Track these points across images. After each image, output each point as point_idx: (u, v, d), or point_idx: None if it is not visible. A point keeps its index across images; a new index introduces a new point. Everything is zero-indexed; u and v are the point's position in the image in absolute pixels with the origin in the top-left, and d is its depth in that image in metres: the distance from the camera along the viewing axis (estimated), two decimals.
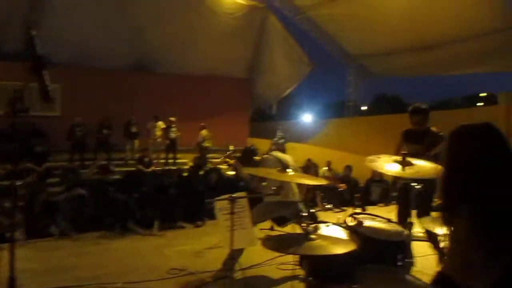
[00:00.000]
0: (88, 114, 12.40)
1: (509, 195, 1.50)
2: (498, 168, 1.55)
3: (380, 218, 3.26)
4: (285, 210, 4.64)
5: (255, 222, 4.80)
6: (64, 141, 12.05)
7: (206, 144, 13.72)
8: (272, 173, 3.01)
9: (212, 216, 6.52)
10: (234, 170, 8.82)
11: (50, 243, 6.34)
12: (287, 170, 2.76)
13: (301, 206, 3.15)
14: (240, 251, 4.68)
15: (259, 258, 5.27)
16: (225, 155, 5.67)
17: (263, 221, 5.00)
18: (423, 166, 3.08)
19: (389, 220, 3.18)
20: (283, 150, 9.10)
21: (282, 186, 4.25)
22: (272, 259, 5.17)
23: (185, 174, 10.06)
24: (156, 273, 4.96)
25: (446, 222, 1.65)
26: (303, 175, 3.07)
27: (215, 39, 15.58)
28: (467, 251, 1.46)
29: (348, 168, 10.39)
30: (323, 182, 3.27)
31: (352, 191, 10.07)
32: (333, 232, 2.89)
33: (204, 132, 13.90)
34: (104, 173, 9.21)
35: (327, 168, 11.37)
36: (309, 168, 10.95)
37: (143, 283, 4.59)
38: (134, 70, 15.87)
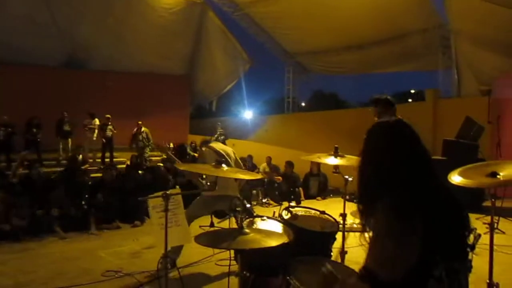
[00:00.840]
0: (16, 113, 11.65)
1: (417, 188, 1.57)
2: (407, 162, 1.61)
3: (315, 210, 3.33)
4: (222, 204, 4.66)
5: (193, 216, 4.76)
6: None
7: (146, 143, 13.32)
8: (206, 169, 2.97)
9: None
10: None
11: None
12: (222, 164, 2.73)
13: (237, 200, 3.14)
14: (178, 250, 4.61)
15: (198, 256, 5.24)
16: (167, 153, 5.55)
17: (201, 215, 4.98)
18: (352, 157, 3.21)
19: (323, 212, 3.25)
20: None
21: (217, 181, 4.23)
22: (210, 256, 5.16)
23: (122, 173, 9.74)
24: (89, 276, 4.76)
25: (362, 215, 1.71)
26: (238, 169, 3.05)
27: (152, 34, 15.18)
28: (385, 243, 1.52)
29: (289, 164, 10.56)
30: (256, 176, 3.28)
31: (293, 186, 10.24)
32: (269, 226, 2.90)
33: (144, 129, 13.49)
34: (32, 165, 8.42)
35: (266, 163, 11.48)
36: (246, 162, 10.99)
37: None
38: (66, 68, 15.08)
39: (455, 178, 2.72)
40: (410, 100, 25.81)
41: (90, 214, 6.99)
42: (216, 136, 13.00)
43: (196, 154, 13.65)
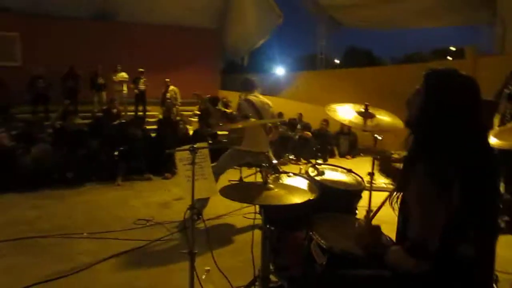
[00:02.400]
0: (50, 65, 11.90)
1: (465, 153, 1.50)
2: (464, 126, 1.52)
3: (341, 168, 3.31)
4: (249, 159, 4.74)
5: (222, 168, 4.85)
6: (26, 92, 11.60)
7: (174, 102, 13.35)
8: (233, 124, 2.96)
9: None
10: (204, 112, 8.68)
11: (10, 196, 6.20)
12: (250, 118, 2.72)
13: (263, 156, 3.16)
14: (205, 202, 4.73)
15: (226, 209, 5.38)
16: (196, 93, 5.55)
17: (230, 167, 5.07)
18: (383, 119, 3.13)
19: (349, 171, 3.23)
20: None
21: (245, 136, 4.25)
22: (238, 209, 5.28)
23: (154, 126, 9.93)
24: (122, 223, 4.98)
25: (400, 177, 1.66)
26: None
27: None
28: (426, 214, 1.49)
29: (325, 121, 10.46)
30: (278, 120, 3.24)
31: (325, 144, 10.22)
32: (294, 182, 2.92)
33: (173, 88, 13.52)
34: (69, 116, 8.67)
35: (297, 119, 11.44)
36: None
37: (108, 233, 4.60)
38: (97, 19, 15.10)
39: (491, 139, 2.63)
40: (449, 58, 24.78)
41: (119, 166, 7.20)
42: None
43: (227, 110, 13.67)
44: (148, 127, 9.78)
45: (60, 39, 13.54)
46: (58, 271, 3.61)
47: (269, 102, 4.98)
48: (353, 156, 10.23)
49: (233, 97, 14.18)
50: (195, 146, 2.58)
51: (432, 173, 1.46)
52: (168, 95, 13.34)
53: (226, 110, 12.66)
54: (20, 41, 13.60)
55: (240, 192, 2.26)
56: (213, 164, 5.04)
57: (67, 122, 8.17)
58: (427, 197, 1.48)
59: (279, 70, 20.89)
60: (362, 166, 4.22)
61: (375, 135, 3.57)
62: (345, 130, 10.46)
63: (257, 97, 4.91)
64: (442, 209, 1.45)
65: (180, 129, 9.32)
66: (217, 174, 4.76)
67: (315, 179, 2.90)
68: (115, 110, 11.16)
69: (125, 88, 13.25)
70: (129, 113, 13.13)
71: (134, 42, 14.96)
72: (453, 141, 1.51)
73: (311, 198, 2.40)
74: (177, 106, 13.35)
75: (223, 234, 4.68)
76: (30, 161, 6.79)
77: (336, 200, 2.79)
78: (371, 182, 3.58)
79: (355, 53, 36.09)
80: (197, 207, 4.31)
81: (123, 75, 13.20)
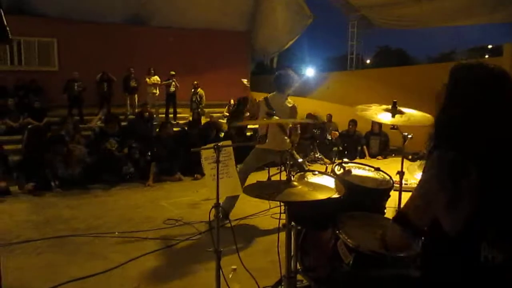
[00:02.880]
0: (85, 69, 12.26)
1: (489, 145, 1.43)
2: (487, 118, 1.46)
3: (369, 167, 3.24)
4: (272, 157, 4.72)
5: (249, 168, 4.85)
6: (62, 96, 12.00)
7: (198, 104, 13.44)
8: (257, 122, 2.94)
9: None
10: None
11: (48, 196, 6.44)
12: (274, 116, 2.70)
13: (287, 154, 3.13)
14: (232, 203, 4.74)
15: (254, 210, 5.38)
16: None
17: (255, 167, 5.06)
18: (413, 114, 3.03)
19: (377, 169, 3.15)
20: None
21: (267, 135, 4.23)
22: (266, 210, 5.28)
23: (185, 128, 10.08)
24: (151, 223, 5.07)
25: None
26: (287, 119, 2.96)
27: None
28: (425, 191, 1.47)
29: (353, 122, 10.35)
30: (300, 121, 3.20)
31: (356, 145, 10.10)
32: (320, 181, 2.88)
33: (199, 91, 13.61)
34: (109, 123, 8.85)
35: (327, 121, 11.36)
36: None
37: (138, 233, 4.69)
38: (130, 24, 15.46)
39: None
40: (487, 56, 23.95)
41: (150, 167, 7.32)
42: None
43: None
44: (175, 129, 9.96)
45: (95, 43, 13.94)
46: (91, 269, 3.71)
47: (290, 104, 4.77)
48: (385, 157, 10.02)
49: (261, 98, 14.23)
50: (219, 144, 2.58)
51: (444, 159, 1.44)
52: (194, 97, 13.45)
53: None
54: (57, 46, 14.09)
55: (262, 190, 2.24)
56: (239, 165, 5.08)
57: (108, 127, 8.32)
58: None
59: (309, 71, 20.71)
60: (394, 167, 4.12)
61: (405, 134, 3.47)
62: (376, 130, 10.27)
63: (277, 97, 4.79)
64: (443, 196, 1.41)
65: (210, 132, 9.40)
66: (244, 174, 4.77)
67: (341, 177, 2.85)
68: (147, 114, 11.40)
69: (157, 91, 13.48)
70: (160, 115, 13.36)
71: (166, 46, 15.22)
72: (476, 131, 1.46)
73: (336, 196, 2.35)
74: (202, 108, 13.41)
75: (250, 234, 4.67)
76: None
77: (363, 199, 2.72)
78: (400, 182, 3.49)
79: (387, 53, 35.45)
80: (225, 207, 4.34)
81: (156, 78, 13.44)
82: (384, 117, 3.11)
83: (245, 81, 5.34)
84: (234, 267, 3.44)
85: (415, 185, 1.57)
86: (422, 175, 1.53)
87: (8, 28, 1.54)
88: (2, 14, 1.54)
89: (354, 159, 9.30)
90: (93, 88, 12.42)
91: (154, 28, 15.68)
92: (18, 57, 13.62)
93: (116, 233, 4.71)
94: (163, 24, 15.71)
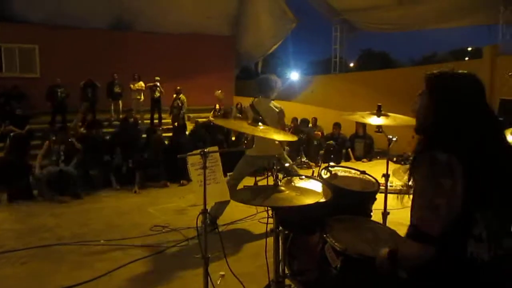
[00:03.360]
0: (68, 75, 12.13)
1: (474, 145, 1.50)
2: (473, 120, 1.54)
3: (355, 170, 3.27)
4: (261, 163, 4.71)
5: (239, 174, 4.84)
6: (44, 103, 11.84)
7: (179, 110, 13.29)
8: (240, 126, 2.95)
9: None
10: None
11: (31, 204, 6.33)
12: (259, 123, 2.71)
13: (275, 159, 3.13)
14: (221, 210, 4.73)
15: (242, 215, 5.37)
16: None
17: (246, 173, 5.03)
18: (396, 117, 3.09)
19: (363, 172, 3.19)
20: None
21: (255, 140, 4.24)
22: (253, 214, 5.29)
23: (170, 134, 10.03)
24: (138, 230, 5.03)
25: (411, 170, 1.65)
26: (273, 129, 2.98)
27: None
28: (428, 198, 1.48)
29: (337, 125, 10.41)
30: (290, 138, 3.21)
31: (340, 148, 10.16)
32: (307, 185, 2.89)
33: (181, 96, 13.46)
34: (93, 128, 8.74)
35: (312, 125, 11.43)
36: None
37: (125, 240, 4.64)
38: (113, 29, 15.35)
39: (509, 138, 2.58)
40: (467, 58, 24.40)
41: (135, 173, 7.27)
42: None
43: (241, 116, 13.74)
44: (164, 134, 9.90)
45: (77, 49, 13.83)
46: (78, 277, 3.66)
47: (277, 108, 4.82)
48: (370, 160, 10.11)
49: (247, 103, 14.25)
50: (206, 150, 2.59)
51: (434, 160, 1.47)
52: (175, 103, 13.26)
53: (240, 115, 12.82)
54: (39, 52, 13.92)
55: (250, 195, 2.25)
56: (230, 174, 5.07)
57: (95, 132, 8.23)
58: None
59: (294, 75, 20.84)
60: (379, 169, 4.17)
61: (389, 136, 3.52)
62: (360, 133, 10.35)
63: (263, 102, 4.81)
64: (443, 196, 1.44)
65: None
66: (236, 181, 4.78)
67: (328, 181, 2.87)
68: (131, 119, 11.35)
69: (142, 96, 13.39)
70: (145, 121, 13.27)
71: (150, 51, 15.15)
72: (458, 132, 1.53)
73: (323, 200, 2.37)
74: (183, 113, 13.26)
75: (238, 239, 4.67)
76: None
77: (350, 202, 2.75)
78: (386, 184, 3.53)
79: (371, 56, 35.85)
80: (212, 213, 4.33)
81: (141, 84, 13.34)
82: (370, 120, 3.17)
83: (218, 92, 5.38)
84: (222, 273, 3.43)
85: (400, 188, 1.60)
86: (416, 182, 1.55)
87: None
88: None
89: (339, 163, 9.36)
90: (77, 94, 12.26)
91: (138, 33, 15.59)
92: None
93: (102, 241, 4.66)
94: (147, 29, 15.63)
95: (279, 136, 2.99)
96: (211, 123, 9.80)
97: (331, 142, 9.97)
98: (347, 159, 10.08)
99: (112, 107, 13.29)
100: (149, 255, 4.22)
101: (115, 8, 14.93)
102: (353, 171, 3.24)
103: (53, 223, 5.35)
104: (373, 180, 3.11)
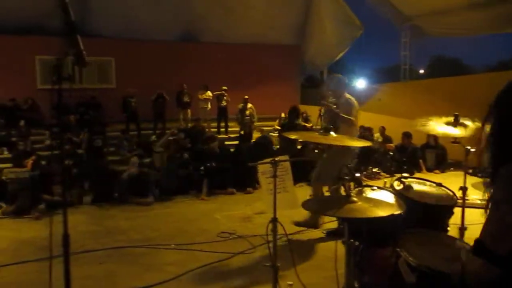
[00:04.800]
0: (140, 85, 12.78)
1: None
2: None
3: (430, 182, 3.13)
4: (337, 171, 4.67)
5: (324, 183, 4.85)
6: (119, 112, 12.54)
7: (252, 119, 13.42)
8: (313, 136, 2.93)
9: None
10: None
11: (110, 207, 6.74)
12: (331, 132, 2.67)
13: (345, 168, 3.06)
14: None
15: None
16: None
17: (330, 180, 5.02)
18: (475, 129, 2.92)
19: (439, 185, 3.04)
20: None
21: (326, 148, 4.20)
22: (321, 224, 5.21)
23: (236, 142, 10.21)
24: (206, 235, 5.15)
25: (486, 186, 1.54)
26: (347, 137, 2.94)
27: (261, 5, 15.27)
28: (501, 215, 1.38)
29: (406, 135, 10.02)
30: (364, 143, 3.12)
31: (412, 158, 9.76)
32: (379, 196, 2.81)
33: (251, 105, 13.61)
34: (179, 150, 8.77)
35: (379, 134, 11.10)
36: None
37: (193, 245, 4.77)
38: (182, 41, 15.97)
39: None
40: None
41: (204, 181, 7.47)
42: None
43: (307, 124, 13.65)
44: (230, 142, 10.10)
45: (149, 60, 14.54)
46: (149, 279, 3.82)
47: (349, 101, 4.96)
48: (442, 171, 9.61)
49: (312, 111, 14.12)
50: (276, 159, 2.60)
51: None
52: (246, 112, 13.48)
53: (306, 124, 12.75)
54: (115, 64, 14.84)
55: (322, 205, 2.23)
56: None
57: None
58: (504, 196, 1.37)
59: (360, 83, 20.41)
60: (454, 181, 3.96)
61: (467, 147, 3.33)
62: (432, 143, 9.89)
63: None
64: None
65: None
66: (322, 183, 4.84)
67: (401, 193, 2.77)
68: (199, 128, 11.72)
69: (209, 105, 13.77)
70: (212, 130, 13.59)
71: (217, 61, 15.57)
72: None
73: (397, 213, 2.29)
74: (254, 122, 13.42)
75: (306, 249, 4.62)
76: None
77: (425, 216, 2.63)
78: (463, 198, 3.34)
79: (442, 62, 34.27)
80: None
81: (208, 93, 13.73)
82: (446, 130, 3.02)
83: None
84: (290, 282, 3.41)
85: (479, 202, 1.50)
86: (492, 196, 1.45)
87: (84, 52, 1.66)
88: (79, 39, 1.65)
89: (413, 174, 8.98)
90: (149, 104, 12.88)
91: (204, 44, 16.08)
92: (79, 76, 14.44)
93: (172, 245, 4.83)
94: (213, 40, 16.08)
95: (352, 143, 2.93)
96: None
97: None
98: (418, 170, 9.64)
99: (181, 116, 13.77)
100: (216, 261, 4.30)
101: (184, 22, 15.53)
102: (428, 183, 3.09)
103: (127, 226, 5.66)
104: (449, 193, 2.95)
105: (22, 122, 11.53)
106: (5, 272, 4.12)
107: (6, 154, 10.00)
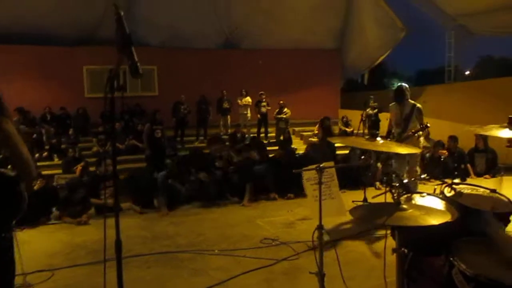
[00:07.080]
0: (182, 92, 13.06)
1: None
2: None
3: (483, 188, 3.00)
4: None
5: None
6: (165, 118, 12.84)
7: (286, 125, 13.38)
8: (357, 142, 2.88)
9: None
10: None
11: (154, 214, 6.91)
12: (377, 138, 2.62)
13: (393, 175, 2.98)
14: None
15: (354, 230, 5.24)
16: None
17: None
18: None
19: (493, 191, 2.91)
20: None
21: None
22: (368, 230, 5.11)
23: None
24: (249, 241, 5.17)
25: None
26: (394, 143, 2.87)
27: (302, 11, 15.22)
28: None
29: (452, 138, 9.67)
30: (412, 150, 3.04)
31: (459, 163, 9.40)
32: (429, 203, 2.72)
33: (286, 110, 13.58)
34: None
35: (423, 137, 10.75)
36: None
37: (237, 251, 4.80)
38: (222, 48, 16.17)
39: None
40: None
41: (246, 186, 7.50)
42: (368, 109, 12.53)
43: (347, 129, 13.47)
44: (269, 148, 10.10)
45: (189, 68, 14.87)
46: (195, 284, 3.89)
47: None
48: (493, 176, 9.19)
49: (353, 115, 13.91)
50: (321, 166, 2.58)
51: None
52: (284, 116, 13.46)
53: (346, 129, 12.60)
54: (157, 72, 15.26)
55: (371, 213, 2.18)
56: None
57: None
58: None
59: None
60: (507, 186, 3.77)
61: None
62: (481, 147, 9.50)
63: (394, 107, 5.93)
64: None
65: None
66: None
67: (453, 200, 2.67)
68: (239, 134, 11.81)
69: (249, 112, 13.86)
70: (252, 135, 13.66)
71: (257, 67, 15.67)
72: None
73: (450, 220, 2.21)
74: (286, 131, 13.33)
75: (352, 257, 4.54)
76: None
77: (479, 223, 2.52)
78: None
79: (491, 63, 32.84)
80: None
81: (248, 99, 13.82)
82: (500, 132, 2.89)
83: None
84: None
85: None
86: None
87: (138, 64, 1.71)
88: (133, 51, 1.71)
89: (464, 180, 8.61)
90: (193, 111, 13.15)
91: (244, 51, 16.21)
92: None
93: (216, 250, 4.88)
94: (252, 47, 16.19)
95: (401, 149, 2.87)
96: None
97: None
98: (467, 175, 9.26)
99: (221, 122, 13.94)
100: (260, 267, 4.29)
101: (223, 30, 15.76)
102: (481, 189, 2.97)
103: (173, 232, 5.78)
104: (505, 199, 2.82)
105: (71, 130, 12.08)
106: (58, 275, 4.30)
107: (56, 160, 10.45)
